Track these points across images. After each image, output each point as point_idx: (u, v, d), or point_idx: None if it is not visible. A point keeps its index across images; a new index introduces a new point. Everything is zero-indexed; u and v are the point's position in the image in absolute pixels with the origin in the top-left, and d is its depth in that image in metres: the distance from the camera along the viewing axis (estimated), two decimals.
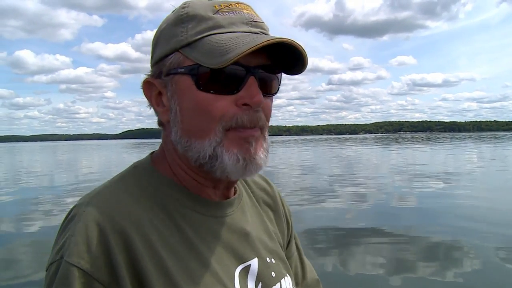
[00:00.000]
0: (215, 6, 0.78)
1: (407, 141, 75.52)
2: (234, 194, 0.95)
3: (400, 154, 33.39)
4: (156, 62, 0.82)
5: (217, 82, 0.75)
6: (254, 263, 0.88)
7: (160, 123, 0.88)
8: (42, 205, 10.97)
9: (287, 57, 0.79)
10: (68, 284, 0.67)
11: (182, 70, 0.77)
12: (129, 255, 0.71)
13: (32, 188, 15.17)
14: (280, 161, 26.24)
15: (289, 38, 0.74)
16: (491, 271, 5.32)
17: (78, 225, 0.71)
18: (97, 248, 0.69)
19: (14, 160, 42.07)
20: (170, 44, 0.79)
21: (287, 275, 0.96)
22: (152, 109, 0.87)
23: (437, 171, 17.38)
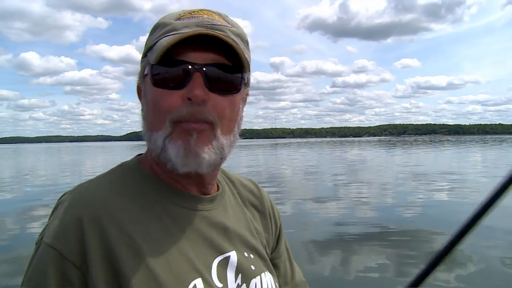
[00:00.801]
0: (179, 14, 0.87)
1: (410, 144, 75.32)
2: (217, 191, 1.00)
3: (404, 157, 33.33)
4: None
5: (167, 79, 0.82)
6: (233, 255, 0.91)
7: None
8: (46, 205, 11.09)
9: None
10: (44, 262, 0.75)
11: (146, 71, 0.85)
12: (103, 240, 0.76)
13: (38, 188, 15.32)
14: (284, 164, 26.29)
15: (216, 31, 0.81)
16: (496, 273, 5.37)
17: (59, 212, 0.80)
18: (72, 232, 0.76)
19: (21, 161, 42.24)
20: (143, 51, 0.89)
21: (267, 271, 0.99)
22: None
23: (441, 174, 17.41)
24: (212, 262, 0.87)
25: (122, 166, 0.93)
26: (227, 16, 0.91)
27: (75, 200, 0.81)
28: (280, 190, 13.72)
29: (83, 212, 0.78)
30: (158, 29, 0.87)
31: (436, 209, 9.68)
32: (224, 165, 0.90)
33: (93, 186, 0.86)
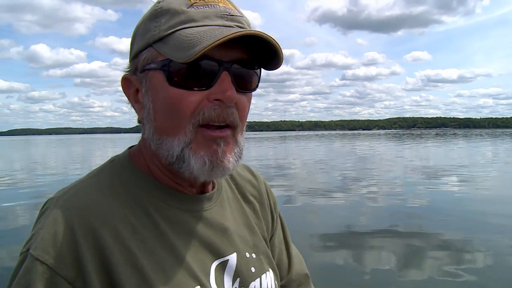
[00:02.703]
0: (190, 0, 0.77)
1: (419, 137, 74.72)
2: (213, 188, 0.94)
3: (413, 150, 33.14)
4: (133, 58, 0.81)
5: (189, 77, 0.74)
6: (232, 258, 0.87)
7: (139, 120, 0.86)
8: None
9: (264, 52, 0.77)
10: (30, 278, 0.67)
11: (155, 65, 0.76)
12: (98, 251, 0.70)
13: (48, 178, 15.44)
14: (293, 156, 26.24)
15: (260, 31, 0.72)
16: (506, 268, 5.26)
17: (47, 220, 0.72)
18: (64, 243, 0.68)
19: (32, 152, 42.61)
20: (145, 39, 0.78)
21: (270, 269, 0.96)
22: (131, 106, 0.86)
23: (449, 168, 17.29)
24: (210, 267, 0.82)
25: (113, 163, 0.86)
26: (233, 2, 0.83)
27: (64, 206, 0.73)
28: (289, 182, 13.73)
29: (74, 219, 0.71)
30: (166, 16, 0.77)
31: (446, 203, 9.60)
32: None
33: (82, 189, 0.77)
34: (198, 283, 0.77)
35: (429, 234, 6.83)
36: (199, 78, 0.74)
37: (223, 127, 0.76)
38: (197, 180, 0.81)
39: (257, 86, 0.82)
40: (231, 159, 0.78)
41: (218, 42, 0.68)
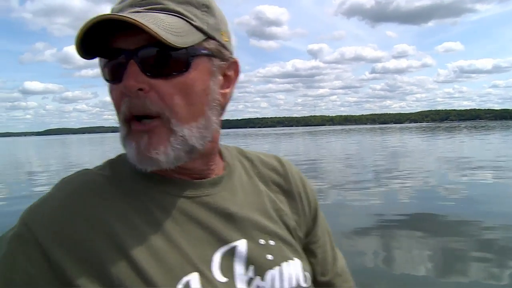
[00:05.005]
0: None
1: (453, 130, 73.00)
2: (223, 170, 0.91)
3: (447, 143, 32.41)
4: None
5: (110, 71, 0.73)
6: (241, 244, 0.81)
7: None
8: None
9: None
10: (12, 231, 0.70)
11: None
12: (81, 231, 0.69)
13: None
14: (323, 151, 26.02)
15: (124, 15, 0.65)
16: None
17: (47, 193, 0.76)
18: (47, 214, 0.70)
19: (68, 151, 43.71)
20: None
21: (295, 258, 0.88)
22: None
23: (486, 161, 16.78)
24: (213, 254, 0.77)
25: (120, 157, 0.84)
26: None
27: (62, 186, 0.76)
28: (319, 176, 13.61)
29: (66, 197, 0.73)
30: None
31: (481, 198, 9.28)
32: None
33: (81, 175, 0.78)
34: (195, 270, 0.73)
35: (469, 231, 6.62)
36: (115, 71, 0.72)
37: (151, 118, 0.71)
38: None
39: (186, 68, 0.72)
40: (162, 149, 0.72)
41: (81, 31, 0.67)
